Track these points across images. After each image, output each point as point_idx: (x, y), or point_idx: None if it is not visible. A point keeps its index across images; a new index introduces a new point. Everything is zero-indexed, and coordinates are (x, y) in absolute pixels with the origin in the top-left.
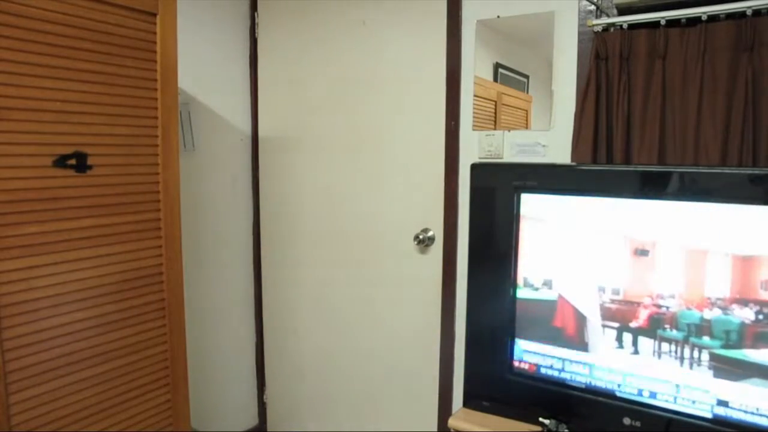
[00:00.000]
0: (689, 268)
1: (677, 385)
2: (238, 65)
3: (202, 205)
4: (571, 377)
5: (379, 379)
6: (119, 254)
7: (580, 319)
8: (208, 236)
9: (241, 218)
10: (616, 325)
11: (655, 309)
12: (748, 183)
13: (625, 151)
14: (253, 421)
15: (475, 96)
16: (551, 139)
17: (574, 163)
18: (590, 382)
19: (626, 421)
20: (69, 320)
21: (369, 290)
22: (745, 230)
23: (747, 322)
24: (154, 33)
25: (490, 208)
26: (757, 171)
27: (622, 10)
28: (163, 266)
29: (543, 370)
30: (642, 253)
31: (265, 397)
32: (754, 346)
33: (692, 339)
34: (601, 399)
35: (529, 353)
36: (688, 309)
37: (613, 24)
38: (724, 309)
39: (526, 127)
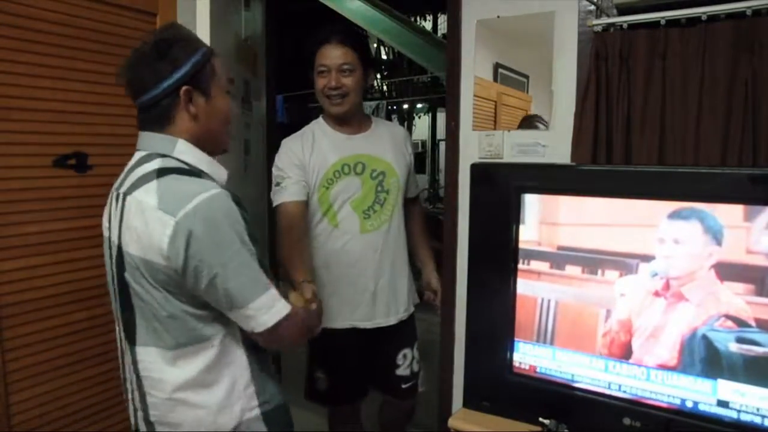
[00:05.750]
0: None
1: (677, 385)
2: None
3: None
4: (571, 377)
5: None
6: None
7: (581, 320)
8: None
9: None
10: (617, 324)
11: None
12: (748, 183)
13: (625, 151)
14: None
15: (475, 96)
16: (551, 139)
17: (574, 163)
18: (590, 382)
19: (626, 421)
20: (69, 320)
21: None
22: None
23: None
24: None
25: (490, 208)
26: (757, 171)
27: (622, 10)
28: None
29: (543, 371)
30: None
31: None
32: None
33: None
34: (601, 399)
35: (529, 354)
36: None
37: (613, 24)
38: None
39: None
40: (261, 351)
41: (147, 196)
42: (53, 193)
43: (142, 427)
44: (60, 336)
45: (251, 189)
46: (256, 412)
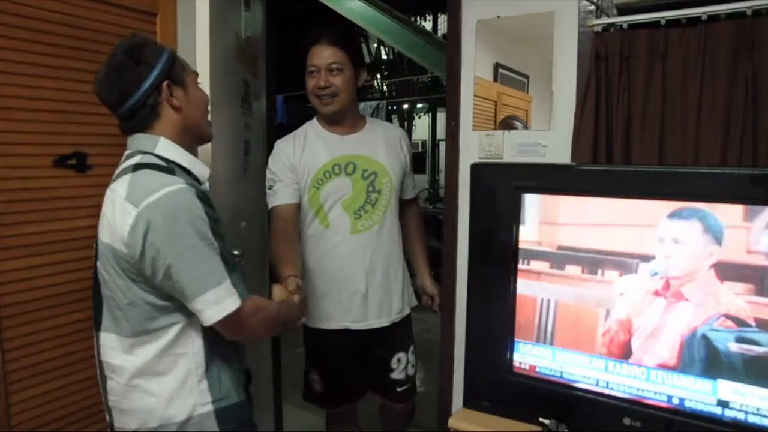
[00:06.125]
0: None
1: (677, 385)
2: None
3: None
4: (571, 377)
5: None
6: None
7: (581, 320)
8: None
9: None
10: (617, 324)
11: (656, 309)
12: (748, 183)
13: (625, 151)
14: None
15: (475, 96)
16: (551, 139)
17: (574, 163)
18: (590, 382)
19: (626, 421)
20: (69, 320)
21: None
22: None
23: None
24: (154, 33)
25: (491, 208)
26: (757, 171)
27: (623, 10)
28: None
29: (543, 371)
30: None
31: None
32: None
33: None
34: (601, 399)
35: (529, 353)
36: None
37: (613, 24)
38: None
39: (526, 127)
40: (227, 347)
41: (119, 187)
42: (53, 193)
43: (107, 414)
44: (60, 336)
45: (251, 189)
46: (209, 408)
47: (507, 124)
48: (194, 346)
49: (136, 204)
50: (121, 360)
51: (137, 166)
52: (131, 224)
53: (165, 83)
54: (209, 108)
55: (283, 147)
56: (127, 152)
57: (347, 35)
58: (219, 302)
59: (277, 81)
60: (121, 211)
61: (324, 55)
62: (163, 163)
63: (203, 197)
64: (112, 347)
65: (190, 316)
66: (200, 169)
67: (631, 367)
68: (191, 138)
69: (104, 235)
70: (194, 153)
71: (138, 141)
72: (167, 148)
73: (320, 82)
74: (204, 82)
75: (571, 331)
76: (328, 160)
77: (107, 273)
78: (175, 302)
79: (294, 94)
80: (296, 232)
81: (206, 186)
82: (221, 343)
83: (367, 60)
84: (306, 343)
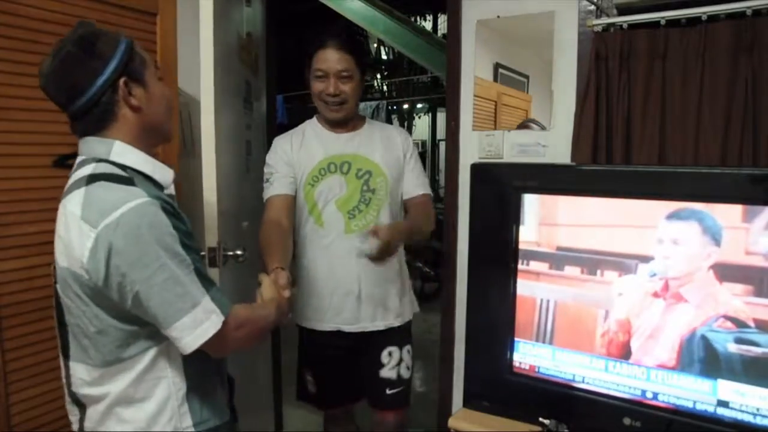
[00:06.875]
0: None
1: (677, 385)
2: None
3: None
4: (571, 377)
5: None
6: None
7: (580, 320)
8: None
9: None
10: (616, 324)
11: (655, 309)
12: (748, 183)
13: (625, 151)
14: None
15: (475, 96)
16: (551, 139)
17: (574, 163)
18: (590, 382)
19: (626, 421)
20: None
21: None
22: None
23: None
24: (154, 33)
25: (490, 207)
26: (756, 171)
27: (623, 10)
28: None
29: (543, 371)
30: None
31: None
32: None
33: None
34: (601, 399)
35: (529, 353)
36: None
37: (613, 24)
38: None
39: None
40: (208, 365)
41: (72, 204)
42: (53, 193)
43: None
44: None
45: (253, 189)
46: None
47: (525, 126)
48: (171, 370)
49: (94, 224)
50: (93, 391)
51: (92, 178)
52: (90, 248)
53: (122, 80)
54: (172, 105)
55: (281, 143)
56: (78, 159)
57: (355, 39)
58: (197, 326)
59: (277, 81)
60: (78, 232)
61: (333, 59)
62: (121, 172)
63: (169, 209)
64: (81, 378)
65: (163, 340)
66: (162, 173)
67: (631, 367)
68: (152, 139)
69: (62, 259)
70: (154, 154)
71: (90, 146)
72: (124, 153)
73: (329, 88)
74: (208, 83)
75: (570, 332)
76: (324, 157)
77: (69, 299)
78: (150, 326)
79: (294, 94)
80: (289, 223)
81: (171, 189)
82: (202, 362)
83: None
84: (299, 342)
